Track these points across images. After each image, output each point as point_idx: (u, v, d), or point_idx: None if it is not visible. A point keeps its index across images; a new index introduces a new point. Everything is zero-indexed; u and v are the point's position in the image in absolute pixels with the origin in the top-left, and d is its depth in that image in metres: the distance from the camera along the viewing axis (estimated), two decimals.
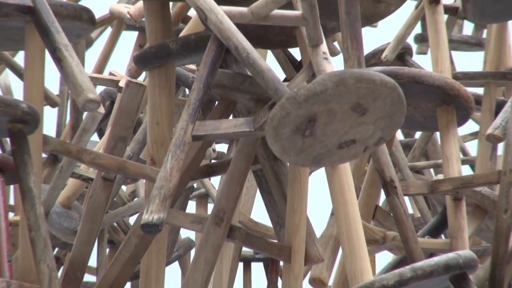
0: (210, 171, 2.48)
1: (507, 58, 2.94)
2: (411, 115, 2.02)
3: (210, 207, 3.41)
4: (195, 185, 3.47)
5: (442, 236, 2.47)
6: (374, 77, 1.84)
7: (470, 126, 3.26)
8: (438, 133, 2.81)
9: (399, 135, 3.08)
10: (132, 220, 3.03)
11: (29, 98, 2.12)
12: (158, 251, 2.18)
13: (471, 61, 3.42)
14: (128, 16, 3.43)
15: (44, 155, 2.35)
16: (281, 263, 2.18)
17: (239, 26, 1.91)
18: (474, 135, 3.53)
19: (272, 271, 3.52)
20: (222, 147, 3.21)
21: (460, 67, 3.18)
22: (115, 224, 3.13)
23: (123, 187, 3.14)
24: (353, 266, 2.03)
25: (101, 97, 2.44)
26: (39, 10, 1.99)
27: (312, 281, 2.37)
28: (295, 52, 2.13)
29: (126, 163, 2.15)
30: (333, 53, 2.14)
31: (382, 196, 2.39)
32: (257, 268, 3.77)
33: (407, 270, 1.97)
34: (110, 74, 3.49)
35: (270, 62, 2.11)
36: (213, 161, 2.91)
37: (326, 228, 2.38)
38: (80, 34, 2.33)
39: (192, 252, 3.26)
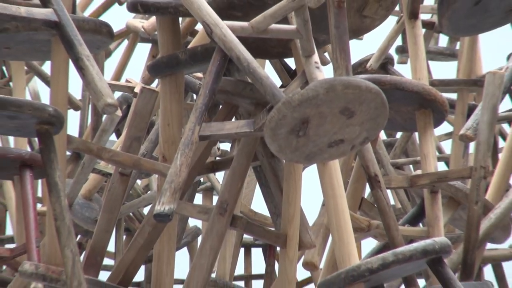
0: (215, 167, 2.48)
1: (478, 67, 2.94)
2: (393, 118, 2.01)
3: (215, 199, 3.39)
4: (201, 179, 3.46)
5: (420, 224, 2.46)
6: (360, 84, 1.83)
7: (445, 127, 3.25)
8: (416, 134, 2.81)
9: (382, 135, 3.07)
10: (146, 210, 3.02)
11: (55, 103, 2.10)
12: (169, 238, 2.17)
13: (446, 70, 3.41)
14: (142, 30, 3.43)
15: (68, 153, 2.34)
16: (278, 248, 2.18)
17: (241, 38, 1.90)
18: (448, 135, 3.53)
19: (270, 256, 3.51)
20: (225, 146, 3.20)
21: (436, 75, 3.17)
22: (131, 214, 3.12)
23: (138, 181, 3.13)
24: (341, 251, 2.02)
25: (118, 102, 2.43)
26: (64, 25, 1.98)
27: (305, 264, 2.36)
28: (290, 62, 2.11)
29: (140, 160, 2.14)
30: (324, 62, 2.13)
31: (367, 189, 2.38)
32: (257, 253, 3.77)
33: (389, 255, 1.96)
34: (127, 81, 3.48)
35: (268, 71, 2.10)
36: (217, 158, 2.90)
37: (317, 218, 2.38)
38: (100, 46, 2.32)
39: (199, 239, 3.25)
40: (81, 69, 1.95)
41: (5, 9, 1.97)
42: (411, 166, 3.51)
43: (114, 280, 2.16)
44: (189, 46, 2.31)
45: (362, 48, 3.15)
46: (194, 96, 2.73)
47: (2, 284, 2.46)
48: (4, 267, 2.50)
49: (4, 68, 3.24)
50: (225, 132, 2.00)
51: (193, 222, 3.29)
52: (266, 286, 3.50)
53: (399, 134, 3.58)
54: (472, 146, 2.41)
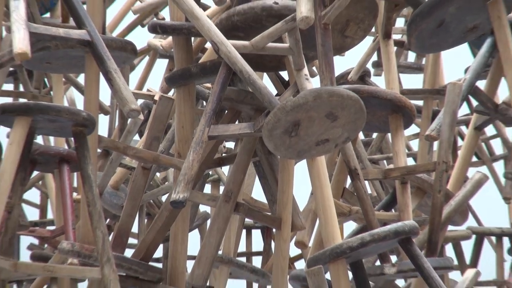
0: (221, 162, 2.47)
1: (440, 79, 2.95)
2: (369, 121, 2.01)
3: (221, 189, 3.39)
4: (210, 172, 3.46)
5: (393, 210, 2.46)
6: (342, 92, 1.83)
7: (413, 129, 3.25)
8: (389, 134, 2.81)
9: (361, 135, 3.06)
10: (163, 198, 3.01)
11: (88, 108, 2.10)
12: (183, 221, 2.17)
13: (413, 81, 3.41)
14: (161, 48, 3.42)
15: (98, 150, 2.33)
16: (274, 230, 2.17)
17: (243, 55, 1.90)
18: (416, 135, 3.52)
19: (267, 236, 3.51)
20: (230, 144, 3.19)
21: (405, 85, 3.17)
22: (151, 201, 3.11)
23: (157, 174, 3.13)
24: (327, 232, 2.01)
25: (141, 108, 2.42)
26: (95, 44, 1.98)
27: (296, 243, 2.35)
28: (284, 74, 2.11)
29: (159, 156, 2.14)
30: (312, 75, 2.13)
31: (348, 181, 2.37)
32: (256, 234, 3.76)
33: (367, 235, 1.95)
34: (148, 90, 3.48)
35: (266, 82, 2.10)
36: (223, 155, 2.90)
37: (307, 204, 2.37)
38: (125, 61, 2.32)
39: (208, 222, 3.25)
40: (110, 80, 1.95)
41: (47, 30, 1.97)
42: (385, 161, 3.51)
43: (137, 256, 2.16)
44: (200, 61, 2.31)
45: (344, 63, 3.15)
46: (204, 102, 2.72)
47: (44, 260, 2.45)
48: (46, 245, 2.50)
49: (46, 79, 3.23)
50: (230, 133, 1.99)
51: (203, 208, 3.28)
52: (264, 262, 3.50)
53: (375, 135, 3.58)
54: (435, 144, 2.40)
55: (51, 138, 3.26)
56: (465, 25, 2.17)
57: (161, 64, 3.67)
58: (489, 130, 3.53)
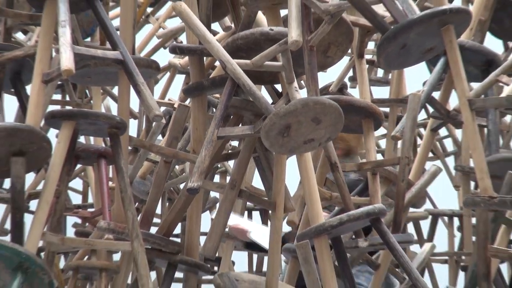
0: (228, 157, 2.48)
1: (403, 90, 2.94)
2: (346, 124, 2.00)
3: (228, 178, 3.38)
4: (218, 165, 3.46)
5: (365, 195, 2.45)
6: (325, 101, 1.83)
7: (381, 131, 3.24)
8: (363, 135, 2.80)
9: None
10: (181, 186, 3.01)
11: (120, 114, 2.10)
12: (197, 205, 2.17)
13: (382, 92, 3.41)
14: (179, 65, 3.42)
15: (129, 148, 2.33)
16: (270, 212, 2.17)
17: (245, 71, 1.90)
18: (384, 136, 3.52)
19: (264, 216, 3.49)
20: (234, 143, 3.19)
21: (375, 96, 3.17)
22: (171, 188, 3.11)
23: (176, 167, 3.12)
24: (312, 214, 2.01)
25: (163, 114, 2.42)
26: (126, 62, 1.98)
27: (288, 222, 2.35)
28: (278, 86, 2.11)
29: (178, 152, 2.14)
30: (300, 87, 2.12)
31: (330, 172, 2.37)
32: (256, 215, 3.76)
33: (344, 216, 1.96)
34: (169, 99, 3.48)
35: (263, 92, 2.10)
36: (229, 151, 2.89)
37: (296, 191, 2.37)
38: (151, 76, 2.31)
39: (217, 205, 3.24)
40: (138, 91, 1.95)
41: (88, 52, 1.97)
42: (358, 156, 3.51)
43: (160, 233, 2.16)
44: (210, 76, 2.30)
45: (326, 77, 3.15)
46: (213, 109, 2.72)
47: (86, 236, 2.45)
48: (87, 224, 2.49)
49: (87, 91, 3.23)
50: (235, 134, 1.99)
51: (213, 194, 3.28)
52: None
53: None
54: (399, 143, 2.40)
55: (91, 138, 3.25)
56: (423, 47, 2.17)
57: (179, 79, 3.68)
58: (442, 131, 3.52)
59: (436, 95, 2.56)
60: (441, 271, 3.56)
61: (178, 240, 2.41)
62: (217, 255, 2.38)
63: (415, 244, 3.16)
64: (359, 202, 2.29)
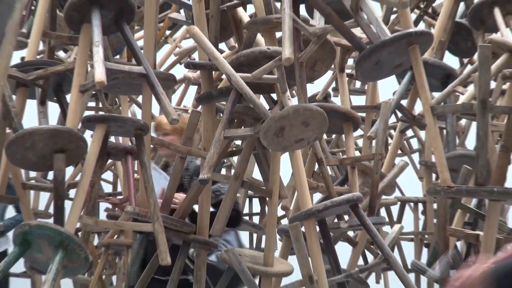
0: (233, 153, 2.47)
1: (377, 98, 2.93)
2: (330, 126, 2.00)
3: (232, 171, 3.38)
4: (225, 160, 3.45)
5: (346, 185, 2.45)
6: (312, 107, 1.83)
7: (359, 132, 3.23)
8: (343, 135, 2.80)
9: (324, 136, 3.05)
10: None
11: (144, 118, 2.10)
12: (207, 193, 2.16)
13: (359, 100, 3.40)
14: (192, 78, 3.42)
15: (151, 146, 2.32)
16: (267, 199, 2.16)
17: (247, 83, 1.89)
18: (361, 136, 3.51)
19: (263, 203, 3.49)
20: (238, 142, 3.18)
21: (354, 103, 3.16)
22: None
23: None
24: (302, 200, 2.02)
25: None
26: (149, 75, 1.97)
27: (282, 207, 2.35)
28: (274, 95, 2.10)
29: (191, 150, 2.13)
30: (292, 96, 2.12)
31: (316, 166, 2.37)
32: (255, 201, 3.76)
33: (329, 202, 1.96)
34: (184, 106, 3.49)
35: (262, 100, 2.10)
36: (234, 149, 2.89)
37: (289, 181, 2.37)
38: (169, 87, 2.31)
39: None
40: (158, 99, 1.94)
41: (117, 67, 1.97)
42: (340, 153, 3.50)
43: (177, 216, 2.15)
44: (218, 87, 2.30)
45: (313, 88, 3.15)
46: (220, 114, 2.72)
47: (115, 218, 2.44)
48: (116, 209, 2.49)
49: (116, 99, 3.22)
50: (238, 134, 1.99)
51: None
52: (260, 219, 3.49)
53: (334, 136, 3.58)
54: (374, 142, 2.40)
55: (120, 138, 3.25)
56: (394, 63, 2.17)
57: (193, 89, 3.67)
58: (409, 132, 3.52)
59: (404, 102, 2.56)
60: (408, 247, 3.55)
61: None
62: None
63: (387, 226, 3.15)
64: (340, 191, 2.29)
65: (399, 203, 3.53)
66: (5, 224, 3.35)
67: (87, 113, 2.92)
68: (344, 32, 2.09)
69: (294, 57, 1.79)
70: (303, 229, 1.96)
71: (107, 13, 2.00)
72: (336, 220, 2.24)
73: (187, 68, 2.60)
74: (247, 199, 3.68)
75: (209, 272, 2.22)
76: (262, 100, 2.10)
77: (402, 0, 2.01)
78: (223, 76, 2.39)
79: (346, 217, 2.29)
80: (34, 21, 2.23)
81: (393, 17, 2.92)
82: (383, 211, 3.42)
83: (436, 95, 2.29)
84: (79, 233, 2.71)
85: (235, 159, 3.23)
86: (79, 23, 2.00)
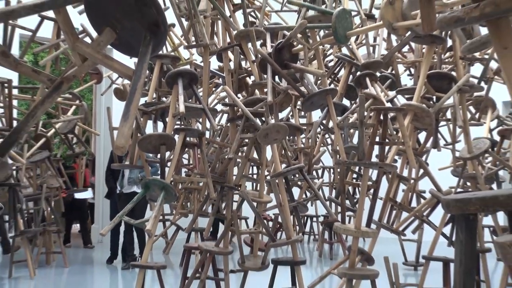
0: (243, 146, 2.31)
1: (311, 119, 2.62)
2: (290, 133, 1.92)
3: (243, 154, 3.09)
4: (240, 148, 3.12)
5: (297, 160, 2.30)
6: (281, 124, 1.77)
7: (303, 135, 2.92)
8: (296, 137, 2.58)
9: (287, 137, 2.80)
10: None
11: (202, 128, 2.02)
12: (231, 164, 2.01)
13: (304, 120, 3.02)
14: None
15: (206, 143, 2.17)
16: (260, 167, 2.04)
17: (250, 112, 1.81)
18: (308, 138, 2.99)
19: (258, 170, 3.20)
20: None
21: (302, 121, 2.88)
22: None
23: None
24: (276, 168, 1.92)
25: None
26: (206, 111, 1.89)
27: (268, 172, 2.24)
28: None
29: (225, 144, 2.04)
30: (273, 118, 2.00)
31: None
32: (254, 169, 3.53)
33: (288, 168, 1.85)
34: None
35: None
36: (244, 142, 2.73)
37: (270, 158, 2.21)
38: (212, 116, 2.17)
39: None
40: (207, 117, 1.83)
41: (190, 105, 1.87)
42: (294, 145, 3.15)
43: (218, 175, 2.01)
44: (238, 114, 2.07)
45: (281, 115, 2.93)
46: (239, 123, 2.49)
47: (189, 176, 2.34)
48: (190, 171, 2.33)
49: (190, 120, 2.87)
50: (247, 136, 1.89)
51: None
52: (256, 177, 3.20)
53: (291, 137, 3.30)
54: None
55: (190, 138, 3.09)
56: (319, 103, 2.07)
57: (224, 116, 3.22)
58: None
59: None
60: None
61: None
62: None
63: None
64: (294, 163, 2.10)
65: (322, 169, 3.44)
66: (142, 175, 3.17)
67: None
68: (296, 88, 2.05)
69: (272, 100, 1.77)
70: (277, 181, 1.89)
71: (185, 79, 1.97)
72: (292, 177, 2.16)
73: (223, 106, 2.49)
74: (250, 167, 3.51)
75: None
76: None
77: (324, 73, 1.98)
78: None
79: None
80: (151, 83, 2.17)
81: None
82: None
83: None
84: (172, 182, 2.63)
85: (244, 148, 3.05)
86: (172, 84, 1.97)
